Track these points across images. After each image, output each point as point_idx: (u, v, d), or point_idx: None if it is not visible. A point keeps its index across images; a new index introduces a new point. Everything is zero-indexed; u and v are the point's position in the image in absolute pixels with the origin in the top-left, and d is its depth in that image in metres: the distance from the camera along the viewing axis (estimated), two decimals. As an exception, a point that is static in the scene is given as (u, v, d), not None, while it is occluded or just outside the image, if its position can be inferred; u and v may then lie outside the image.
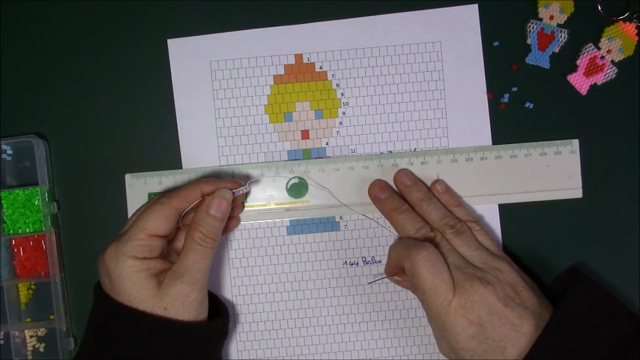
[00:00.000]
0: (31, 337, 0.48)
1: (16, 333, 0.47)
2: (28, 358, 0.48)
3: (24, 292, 0.48)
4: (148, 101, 0.47)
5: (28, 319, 0.48)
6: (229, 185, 0.43)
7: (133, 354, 0.39)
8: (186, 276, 0.40)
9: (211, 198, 0.42)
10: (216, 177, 0.47)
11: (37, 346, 0.48)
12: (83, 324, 0.46)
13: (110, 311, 0.40)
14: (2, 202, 0.47)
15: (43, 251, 0.48)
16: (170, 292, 0.40)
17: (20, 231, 0.47)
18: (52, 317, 0.47)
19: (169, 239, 0.44)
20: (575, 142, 0.47)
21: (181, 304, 0.40)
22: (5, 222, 0.47)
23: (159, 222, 0.41)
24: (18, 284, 0.48)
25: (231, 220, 0.46)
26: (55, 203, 0.47)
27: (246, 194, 0.46)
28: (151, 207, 0.41)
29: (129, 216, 0.47)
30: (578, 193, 0.47)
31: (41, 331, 0.48)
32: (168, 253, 0.44)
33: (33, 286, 0.48)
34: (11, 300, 0.47)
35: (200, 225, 0.41)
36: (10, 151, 0.48)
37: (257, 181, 0.47)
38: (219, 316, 0.44)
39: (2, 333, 0.47)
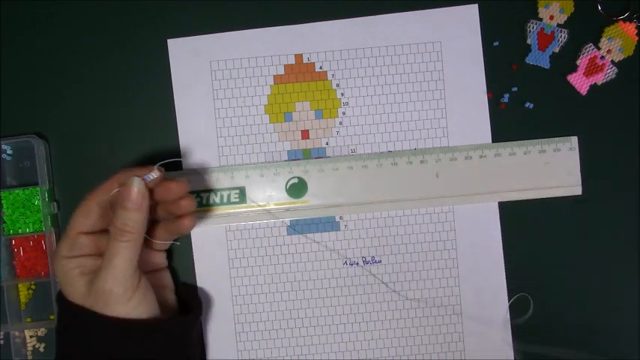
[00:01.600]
0: (31, 337, 0.48)
1: (16, 333, 0.47)
2: (28, 358, 0.48)
3: (24, 292, 0.48)
4: (148, 101, 0.47)
5: (28, 319, 0.48)
6: (139, 172, 0.41)
7: (80, 350, 0.39)
8: (104, 271, 0.39)
9: (122, 189, 0.40)
10: (133, 169, 0.42)
11: (37, 346, 0.48)
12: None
13: (60, 307, 0.41)
14: (2, 202, 0.47)
15: (43, 251, 0.47)
16: (92, 289, 0.39)
17: (20, 231, 0.47)
18: (52, 317, 0.47)
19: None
20: (574, 139, 0.47)
21: (104, 302, 0.38)
22: (5, 222, 0.47)
23: (83, 218, 0.40)
24: (18, 284, 0.48)
25: (183, 218, 0.43)
26: (55, 203, 0.47)
27: (159, 179, 0.42)
28: (78, 206, 0.41)
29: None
30: (577, 190, 0.47)
31: (41, 331, 0.48)
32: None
33: (33, 286, 0.48)
34: (11, 300, 0.47)
35: (116, 218, 0.39)
36: (10, 151, 0.48)
37: (163, 167, 0.43)
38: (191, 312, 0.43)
39: (2, 333, 0.47)
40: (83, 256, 0.40)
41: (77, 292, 0.39)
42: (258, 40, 0.47)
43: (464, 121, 0.47)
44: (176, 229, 0.43)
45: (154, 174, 0.41)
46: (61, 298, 0.40)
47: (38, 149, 0.46)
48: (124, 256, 0.39)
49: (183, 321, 0.43)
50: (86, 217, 0.41)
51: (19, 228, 0.47)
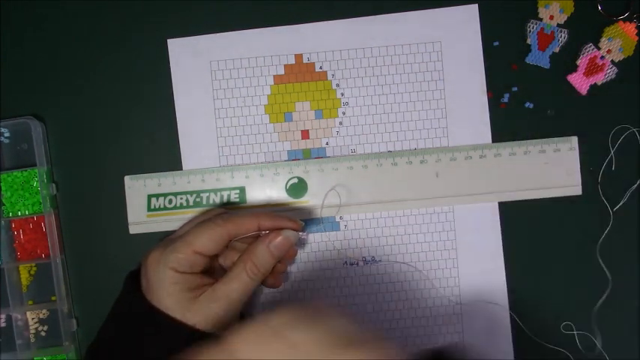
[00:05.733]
0: (33, 319, 0.48)
1: (18, 316, 0.47)
2: (31, 340, 0.48)
3: (25, 275, 0.48)
4: (148, 101, 0.48)
5: (30, 302, 0.48)
6: (291, 225, 0.43)
7: (155, 354, 0.39)
8: (223, 301, 0.40)
9: (276, 235, 0.42)
10: (275, 214, 0.45)
11: (39, 328, 0.48)
12: (85, 305, 0.47)
13: (141, 309, 0.40)
14: (1, 184, 0.47)
15: (43, 233, 0.47)
16: (202, 311, 0.40)
17: (20, 213, 0.47)
18: (53, 298, 0.47)
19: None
20: (574, 139, 0.47)
21: (211, 325, 0.40)
22: (4, 204, 0.47)
23: (207, 242, 0.41)
24: (19, 266, 0.48)
25: (272, 276, 0.45)
26: (53, 185, 0.47)
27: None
28: (205, 225, 0.41)
29: (127, 203, 0.47)
30: (577, 190, 0.47)
31: (43, 313, 0.48)
32: (211, 268, 0.43)
33: (34, 268, 0.48)
34: (12, 282, 0.47)
35: (255, 257, 0.41)
36: (7, 134, 0.48)
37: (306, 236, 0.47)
38: None
39: (4, 316, 0.48)
40: (193, 274, 0.41)
41: (177, 305, 0.39)
42: (258, 40, 0.47)
43: (464, 121, 0.47)
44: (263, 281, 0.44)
45: (304, 236, 0.44)
46: (145, 301, 0.40)
47: (35, 130, 0.46)
48: (248, 292, 0.41)
49: None
50: (214, 242, 0.41)
51: (19, 210, 0.47)
